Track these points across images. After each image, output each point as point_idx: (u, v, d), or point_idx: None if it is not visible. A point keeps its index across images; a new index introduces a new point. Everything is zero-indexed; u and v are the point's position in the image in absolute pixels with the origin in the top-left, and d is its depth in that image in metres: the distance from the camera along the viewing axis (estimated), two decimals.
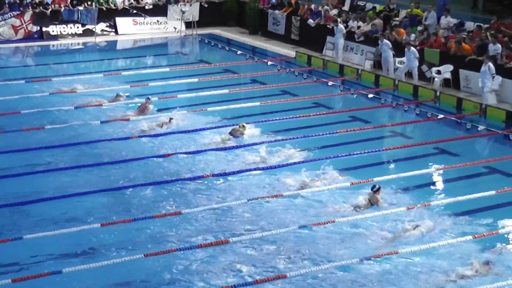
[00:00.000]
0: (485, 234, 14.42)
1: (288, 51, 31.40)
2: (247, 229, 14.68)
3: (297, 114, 22.26)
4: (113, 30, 34.55)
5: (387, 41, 27.03)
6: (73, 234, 14.20)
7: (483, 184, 17.14)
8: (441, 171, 17.98)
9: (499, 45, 24.67)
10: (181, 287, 12.64)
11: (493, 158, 18.93)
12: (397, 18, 30.31)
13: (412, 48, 26.01)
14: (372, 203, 15.69)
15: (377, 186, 15.97)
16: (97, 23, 33.85)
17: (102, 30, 34.34)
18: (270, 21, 34.46)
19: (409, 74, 26.53)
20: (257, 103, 23.53)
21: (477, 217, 15.27)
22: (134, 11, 34.64)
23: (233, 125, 20.53)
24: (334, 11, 31.64)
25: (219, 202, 15.94)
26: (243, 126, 20.23)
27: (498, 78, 23.64)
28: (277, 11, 34.00)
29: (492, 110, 22.75)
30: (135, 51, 33.13)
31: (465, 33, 27.03)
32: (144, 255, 13.32)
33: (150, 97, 22.54)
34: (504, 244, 14.14)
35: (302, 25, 32.48)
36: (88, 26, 33.80)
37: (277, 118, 21.85)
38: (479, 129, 21.01)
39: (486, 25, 27.11)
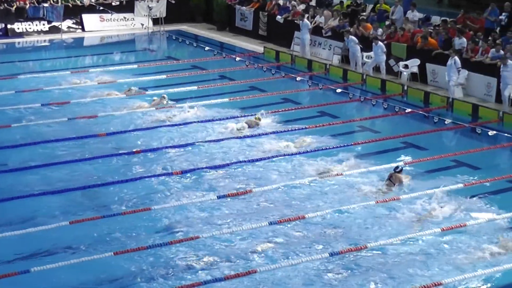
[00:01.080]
0: (453, 226, 14.57)
1: (256, 47, 31.39)
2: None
3: (266, 110, 22.26)
4: (80, 27, 34.30)
5: (352, 37, 27.16)
6: (41, 232, 14.06)
7: (451, 178, 17.27)
8: (409, 165, 18.07)
9: (464, 39, 24.90)
10: (153, 285, 12.58)
11: (460, 151, 19.10)
12: (364, 13, 30.45)
13: (380, 42, 26.16)
14: (394, 183, 16.47)
15: (400, 167, 16.79)
16: (63, 20, 33.56)
17: (69, 27, 34.08)
18: (238, 16, 34.42)
19: (376, 69, 26.69)
20: (226, 99, 23.50)
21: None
22: (101, 8, 34.39)
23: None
24: (302, 6, 31.69)
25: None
26: (259, 118, 20.69)
27: (464, 72, 23.87)
28: (244, 7, 33.97)
29: (459, 104, 22.96)
30: (102, 48, 32.88)
31: (431, 28, 27.24)
32: (114, 253, 13.25)
33: (165, 95, 22.77)
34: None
35: (270, 21, 32.49)
36: (54, 23, 33.51)
37: (246, 114, 21.84)
38: (446, 122, 21.18)
39: (452, 19, 27.35)
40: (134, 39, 34.44)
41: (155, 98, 22.92)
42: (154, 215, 15.05)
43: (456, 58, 23.42)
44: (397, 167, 16.77)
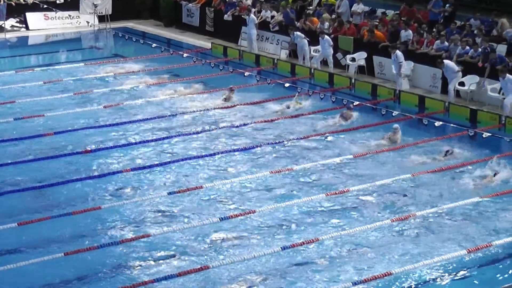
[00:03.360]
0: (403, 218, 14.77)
1: (204, 43, 31.31)
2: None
3: (215, 105, 22.29)
4: (24, 25, 33.75)
5: (298, 33, 27.27)
6: None
7: (398, 169, 17.49)
8: (357, 158, 18.21)
9: (410, 31, 25.21)
10: (105, 284, 12.49)
11: (407, 142, 19.33)
12: (310, 7, 30.59)
13: (326, 36, 26.30)
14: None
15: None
16: (7, 18, 32.98)
17: (12, 26, 33.50)
18: (185, 13, 34.27)
19: (324, 62, 26.83)
20: (175, 96, 23.40)
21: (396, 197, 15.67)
22: (45, 6, 33.86)
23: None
24: (248, 1, 31.70)
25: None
26: (299, 103, 22.13)
27: (410, 64, 24.16)
28: (190, 4, 33.82)
29: (406, 95, 23.24)
30: (47, 46, 32.43)
31: (377, 20, 27.51)
32: (64, 253, 13.10)
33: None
34: None
35: (217, 17, 32.44)
36: None
37: (194, 110, 21.80)
38: (393, 114, 21.39)
39: (397, 12, 27.66)
40: (80, 37, 34.03)
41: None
42: (104, 214, 14.93)
43: (398, 52, 23.65)
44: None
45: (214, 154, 18.29)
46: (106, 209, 15.07)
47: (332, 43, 26.26)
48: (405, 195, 15.95)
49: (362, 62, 26.02)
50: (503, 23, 24.70)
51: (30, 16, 33.76)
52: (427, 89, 24.00)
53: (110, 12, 34.41)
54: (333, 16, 28.60)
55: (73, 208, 15.07)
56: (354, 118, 20.76)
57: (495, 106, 21.99)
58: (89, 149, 18.54)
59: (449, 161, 17.92)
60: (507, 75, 21.15)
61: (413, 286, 12.49)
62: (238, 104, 22.51)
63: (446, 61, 22.80)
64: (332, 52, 26.37)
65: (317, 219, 14.88)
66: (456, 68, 22.55)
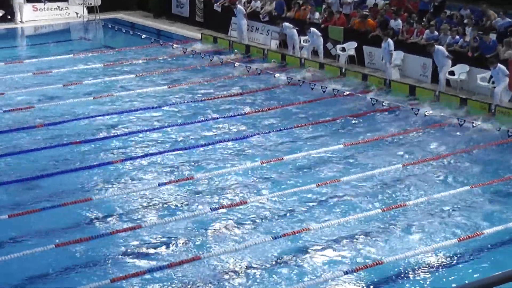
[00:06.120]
0: (393, 207, 14.80)
1: (194, 33, 31.24)
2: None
3: (206, 96, 22.29)
4: (10, 17, 33.54)
5: (287, 24, 27.24)
6: None
7: (391, 157, 17.54)
8: (348, 147, 18.23)
9: (400, 21, 25.22)
10: (96, 276, 12.47)
11: (399, 131, 19.38)
12: None
13: (312, 29, 26.24)
14: None
15: None
16: None
17: (0, 18, 33.31)
18: (174, 3, 34.18)
19: (315, 52, 26.81)
20: (165, 87, 23.36)
21: (387, 188, 15.68)
22: None
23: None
24: None
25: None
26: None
27: (400, 53, 24.17)
28: None
29: (396, 85, 23.27)
30: (36, 38, 32.32)
31: (367, 10, 27.49)
32: (55, 245, 13.07)
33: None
34: None
35: (206, 7, 32.36)
36: None
37: (186, 101, 21.79)
38: (384, 103, 21.40)
39: (387, 1, 27.67)
40: (69, 28, 33.90)
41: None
42: (95, 206, 14.90)
43: (390, 40, 23.68)
44: None
45: (205, 144, 18.26)
46: (97, 200, 15.03)
47: (319, 33, 26.22)
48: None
49: (352, 52, 26.03)
50: (490, 13, 24.73)
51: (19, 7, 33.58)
52: (417, 79, 24.04)
53: (99, 3, 34.29)
54: (323, 6, 28.57)
55: (64, 200, 14.99)
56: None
57: (485, 95, 22.04)
58: (79, 140, 18.46)
59: (438, 151, 17.98)
60: (498, 64, 21.20)
61: (403, 275, 12.52)
62: (229, 95, 22.50)
63: (437, 46, 22.81)
64: (322, 41, 26.35)
65: (308, 209, 14.89)
66: (446, 52, 22.57)
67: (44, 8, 34.07)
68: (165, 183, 15.88)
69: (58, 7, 34.50)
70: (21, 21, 33.20)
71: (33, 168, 16.77)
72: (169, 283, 12.17)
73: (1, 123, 19.84)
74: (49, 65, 26.05)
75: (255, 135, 18.97)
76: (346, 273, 12.27)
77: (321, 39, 26.29)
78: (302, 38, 27.09)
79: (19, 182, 15.94)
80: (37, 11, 34.03)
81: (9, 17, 33.24)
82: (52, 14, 34.36)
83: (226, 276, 12.45)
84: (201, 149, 18.02)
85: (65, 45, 30.77)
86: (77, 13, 34.04)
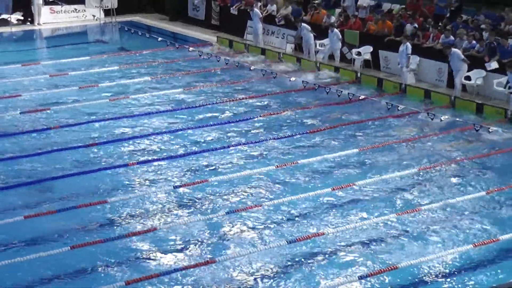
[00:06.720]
0: (408, 211, 14.76)
1: (209, 37, 31.30)
2: None
3: (221, 99, 22.34)
4: (30, 19, 33.75)
5: (305, 25, 27.24)
6: None
7: (406, 162, 17.51)
8: (363, 151, 18.20)
9: (415, 25, 25.14)
10: (111, 278, 12.51)
11: (414, 136, 19.32)
12: (316, 1, 30.49)
13: (335, 29, 26.28)
14: None
15: None
16: (13, 12, 33.00)
17: (18, 20, 33.52)
18: (190, 7, 34.26)
19: (329, 56, 26.79)
20: (180, 90, 23.41)
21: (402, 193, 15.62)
22: (51, 0, 33.90)
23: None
24: None
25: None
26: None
27: (416, 58, 24.11)
28: None
29: (411, 89, 23.21)
30: (53, 40, 32.47)
31: (383, 14, 27.40)
32: (70, 247, 13.11)
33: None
34: None
35: (222, 10, 32.41)
36: (3, 16, 32.94)
37: (202, 104, 21.85)
38: (399, 108, 21.35)
39: (402, 6, 27.61)
40: (86, 30, 34.05)
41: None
42: (110, 208, 14.95)
43: (408, 44, 23.63)
44: None
45: (220, 147, 18.27)
46: (112, 203, 15.07)
47: (340, 36, 26.23)
48: None
49: (368, 56, 25.99)
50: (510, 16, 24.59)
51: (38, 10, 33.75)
52: (432, 83, 23.96)
53: (116, 6, 34.43)
54: (336, 10, 28.57)
55: (79, 202, 15.07)
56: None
57: (501, 100, 21.93)
58: (94, 142, 18.53)
59: (454, 155, 17.93)
60: None
61: (418, 280, 12.48)
62: (245, 98, 22.55)
63: (453, 49, 22.71)
64: (340, 45, 26.35)
65: (322, 213, 14.87)
66: (462, 56, 22.47)
67: (61, 10, 34.26)
68: (180, 186, 15.92)
69: (75, 9, 34.69)
70: (38, 24, 33.43)
71: (49, 170, 16.84)
72: (183, 286, 12.19)
73: (17, 125, 19.92)
74: (65, 67, 26.17)
75: (270, 139, 18.96)
76: (360, 278, 12.24)
77: (340, 43, 26.29)
78: (318, 42, 27.06)
79: (34, 183, 16.01)
80: (54, 13, 34.20)
81: (29, 19, 33.42)
82: (69, 17, 34.55)
83: (241, 280, 12.44)
84: (216, 152, 18.03)
85: (82, 47, 30.87)
86: (94, 16, 34.20)
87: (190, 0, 34.10)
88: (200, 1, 33.53)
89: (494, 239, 13.51)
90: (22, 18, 33.50)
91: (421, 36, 24.76)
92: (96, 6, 34.30)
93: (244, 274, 12.60)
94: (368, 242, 13.69)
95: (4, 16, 32.91)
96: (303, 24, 27.28)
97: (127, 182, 16.28)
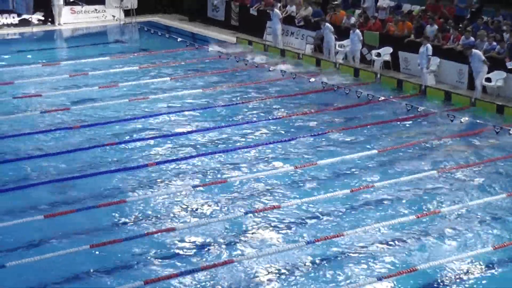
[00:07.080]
0: (428, 213, 14.69)
1: (229, 37, 31.33)
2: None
3: (240, 100, 22.36)
4: (50, 19, 33.94)
5: (328, 25, 27.20)
6: (15, 227, 13.87)
7: (426, 164, 17.43)
8: (382, 152, 18.14)
9: (436, 26, 25.04)
10: (130, 277, 12.53)
11: (434, 138, 19.23)
12: (336, 2, 30.45)
13: (357, 30, 26.21)
14: None
15: None
16: (34, 12, 33.20)
17: (39, 20, 33.71)
18: (210, 7, 34.31)
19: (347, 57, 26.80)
20: (200, 90, 23.44)
21: (422, 195, 15.54)
22: (72, 0, 34.07)
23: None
24: None
25: None
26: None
27: (436, 59, 24.00)
28: None
29: (432, 91, 23.11)
30: (73, 40, 32.63)
31: (403, 15, 27.30)
32: (90, 245, 13.16)
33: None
34: None
35: (242, 11, 32.43)
36: (24, 16, 33.16)
37: (221, 104, 21.87)
38: (419, 109, 21.26)
39: (422, 7, 27.50)
40: (106, 31, 34.19)
41: None
42: (129, 208, 14.99)
43: (429, 45, 23.53)
44: None
45: (239, 148, 18.29)
46: (131, 202, 15.12)
47: (362, 37, 26.17)
48: None
49: (388, 58, 25.90)
50: None
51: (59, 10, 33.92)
52: (453, 85, 23.84)
53: (135, 6, 34.57)
54: (354, 10, 28.51)
55: (99, 201, 15.13)
56: None
57: None
58: (114, 142, 18.60)
59: (474, 157, 17.83)
60: None
61: (438, 282, 12.43)
62: (264, 98, 22.55)
63: (474, 50, 22.59)
64: (360, 47, 26.30)
65: (342, 214, 14.84)
66: (483, 57, 22.35)
67: (82, 11, 34.42)
68: (199, 186, 15.94)
69: (96, 10, 34.84)
70: (59, 24, 33.62)
71: (69, 169, 16.92)
72: (202, 286, 12.20)
73: (38, 124, 20.03)
74: (85, 67, 26.29)
75: (289, 139, 18.95)
76: (379, 279, 12.20)
77: (360, 44, 26.23)
78: (337, 43, 27.02)
79: (54, 182, 16.09)
80: (74, 13, 34.37)
81: (49, 20, 33.61)
82: (89, 17, 34.72)
83: (259, 280, 12.44)
84: (235, 152, 18.05)
85: (102, 47, 30.99)
86: (113, 16, 34.34)
87: (210, 1, 34.15)
88: (219, 2, 33.58)
89: None
90: (43, 18, 33.68)
91: (441, 37, 24.64)
92: (116, 7, 34.45)
93: (262, 275, 12.59)
94: (387, 243, 13.65)
95: (25, 16, 33.09)
96: (327, 24, 27.21)
97: (146, 182, 16.32)
